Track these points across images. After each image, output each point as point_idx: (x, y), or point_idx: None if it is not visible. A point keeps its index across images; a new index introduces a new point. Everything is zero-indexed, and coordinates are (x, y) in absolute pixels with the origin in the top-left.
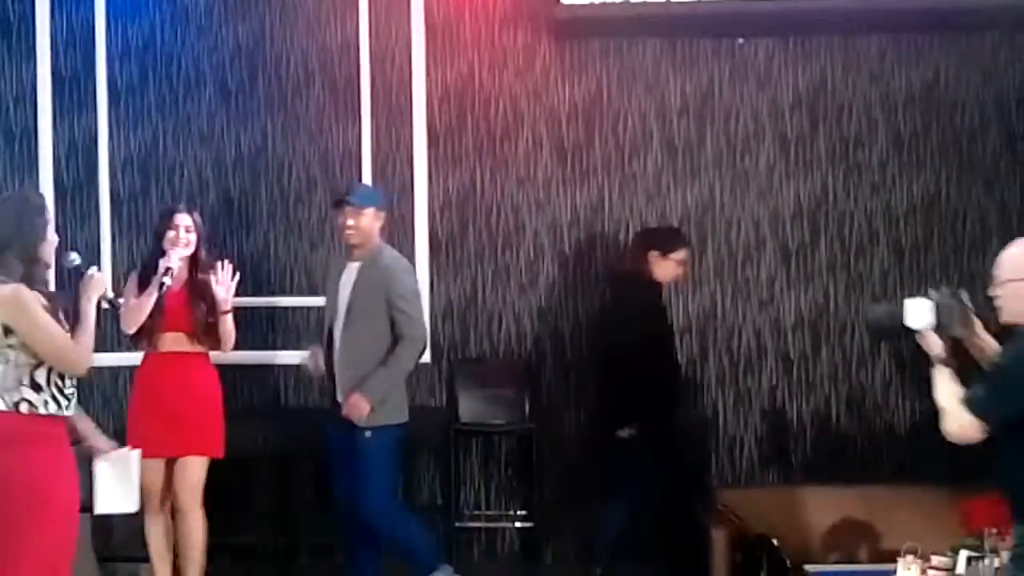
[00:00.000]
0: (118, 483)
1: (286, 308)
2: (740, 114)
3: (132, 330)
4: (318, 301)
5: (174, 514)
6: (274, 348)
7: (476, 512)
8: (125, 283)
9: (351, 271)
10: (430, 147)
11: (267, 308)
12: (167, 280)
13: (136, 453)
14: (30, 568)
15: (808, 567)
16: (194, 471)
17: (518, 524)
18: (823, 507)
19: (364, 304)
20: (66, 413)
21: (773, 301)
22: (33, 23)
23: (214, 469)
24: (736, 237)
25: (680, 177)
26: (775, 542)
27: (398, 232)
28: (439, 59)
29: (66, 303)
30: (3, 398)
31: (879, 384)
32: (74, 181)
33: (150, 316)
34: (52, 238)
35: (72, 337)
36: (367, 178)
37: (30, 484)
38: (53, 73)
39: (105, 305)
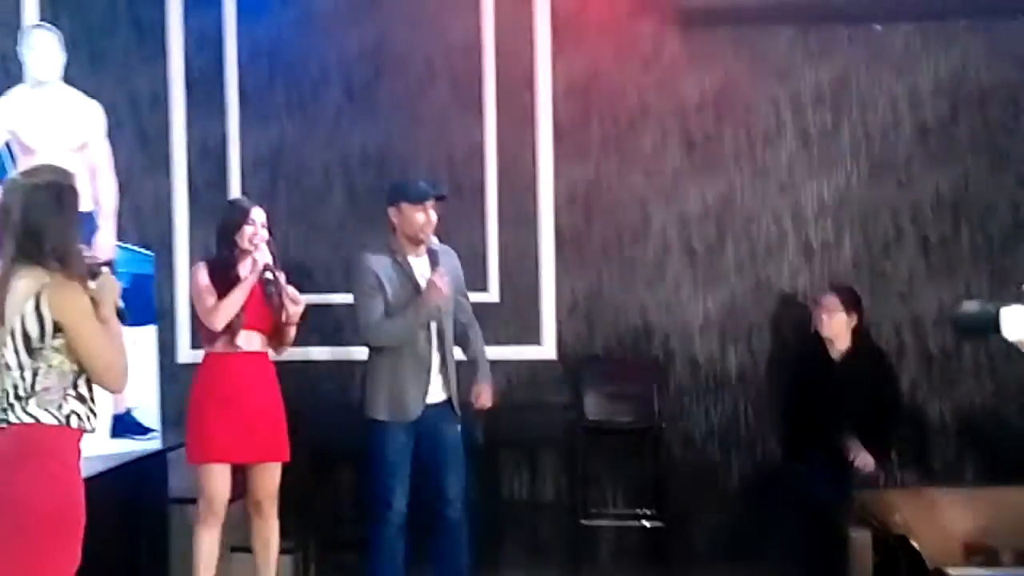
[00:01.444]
0: None
1: None
2: (877, 102)
3: (221, 327)
4: None
5: (248, 519)
6: None
7: (603, 511)
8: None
9: (421, 265)
10: (555, 142)
11: None
12: (270, 276)
13: None
14: None
15: (949, 571)
16: (275, 476)
17: (646, 523)
18: (964, 509)
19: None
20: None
21: (913, 294)
22: (164, 27)
23: None
24: (874, 229)
25: (814, 168)
26: (915, 544)
27: (521, 228)
28: (564, 53)
29: None
30: (47, 410)
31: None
32: (205, 182)
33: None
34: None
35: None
36: (491, 175)
37: (74, 498)
38: (185, 75)
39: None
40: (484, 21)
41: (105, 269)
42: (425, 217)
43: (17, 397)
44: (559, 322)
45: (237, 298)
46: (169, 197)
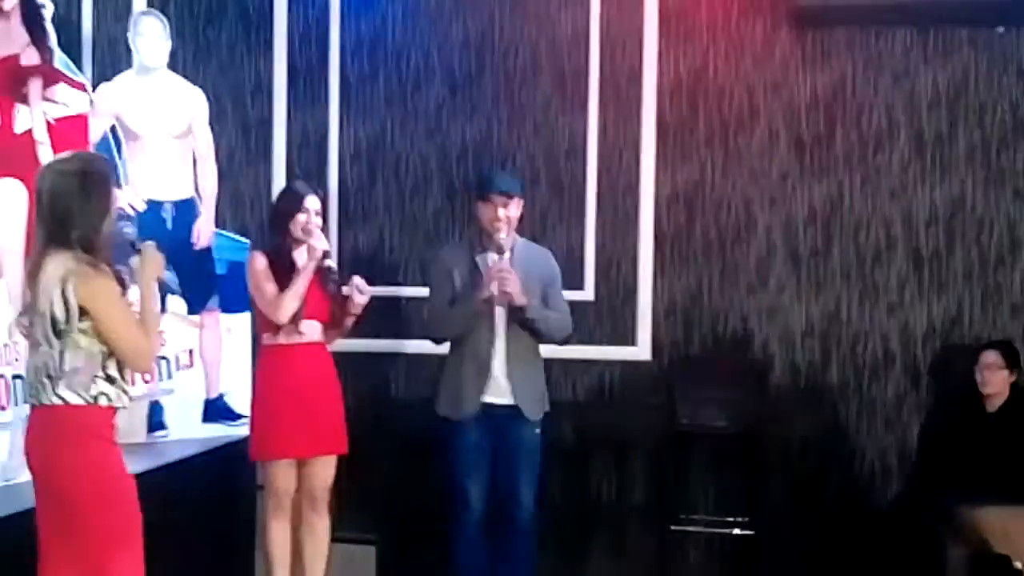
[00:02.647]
0: None
1: None
2: (997, 107)
3: (286, 319)
4: None
5: (301, 515)
6: None
7: (693, 516)
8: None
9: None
10: (658, 139)
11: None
12: (331, 263)
13: None
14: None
15: None
16: (332, 469)
17: (737, 531)
18: None
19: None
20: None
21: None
22: (271, 18)
23: None
24: (989, 238)
25: (928, 173)
26: (1018, 565)
27: (621, 226)
28: (672, 49)
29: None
30: (76, 391)
31: None
32: (305, 172)
33: None
34: (115, 210)
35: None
36: (592, 172)
37: (115, 478)
38: (289, 66)
39: (157, 289)
40: (591, 14)
41: (149, 243)
42: (493, 212)
43: (48, 376)
44: (655, 323)
45: (299, 288)
46: (269, 186)
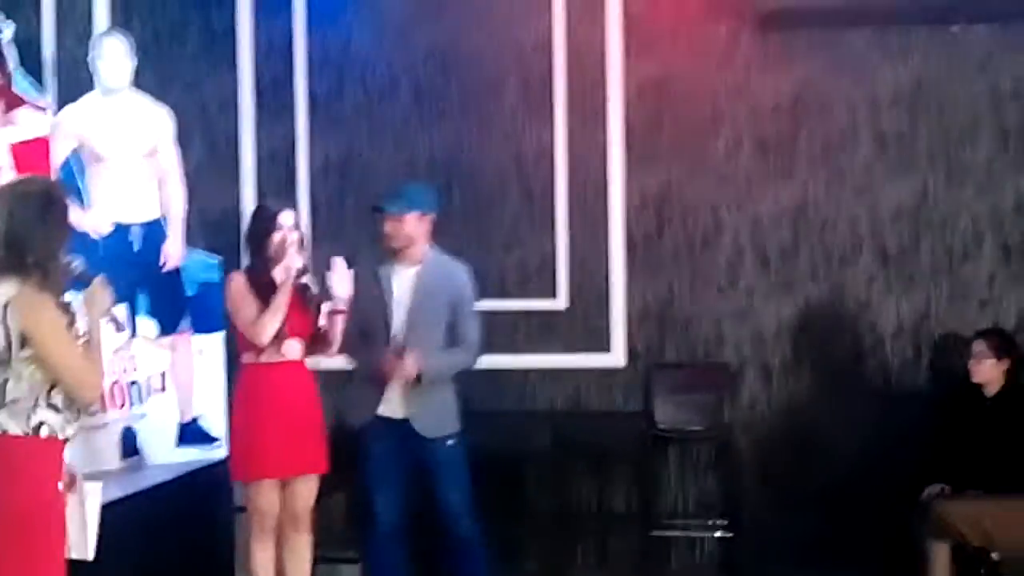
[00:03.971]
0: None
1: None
2: (956, 104)
3: (267, 340)
4: (512, 304)
5: (282, 537)
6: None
7: (673, 520)
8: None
9: (406, 278)
10: (626, 145)
11: None
12: (307, 282)
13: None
14: None
15: None
16: (314, 488)
17: (718, 533)
18: None
19: (427, 314)
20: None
21: (992, 298)
22: (235, 34)
23: None
24: (952, 235)
25: (891, 171)
26: (995, 556)
27: (591, 233)
28: (636, 55)
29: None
30: (16, 420)
31: None
32: (274, 188)
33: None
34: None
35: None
36: (561, 178)
37: (50, 514)
38: (255, 81)
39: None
40: (555, 22)
41: (99, 278)
42: (381, 229)
43: None
44: (629, 329)
45: (278, 307)
46: (238, 203)
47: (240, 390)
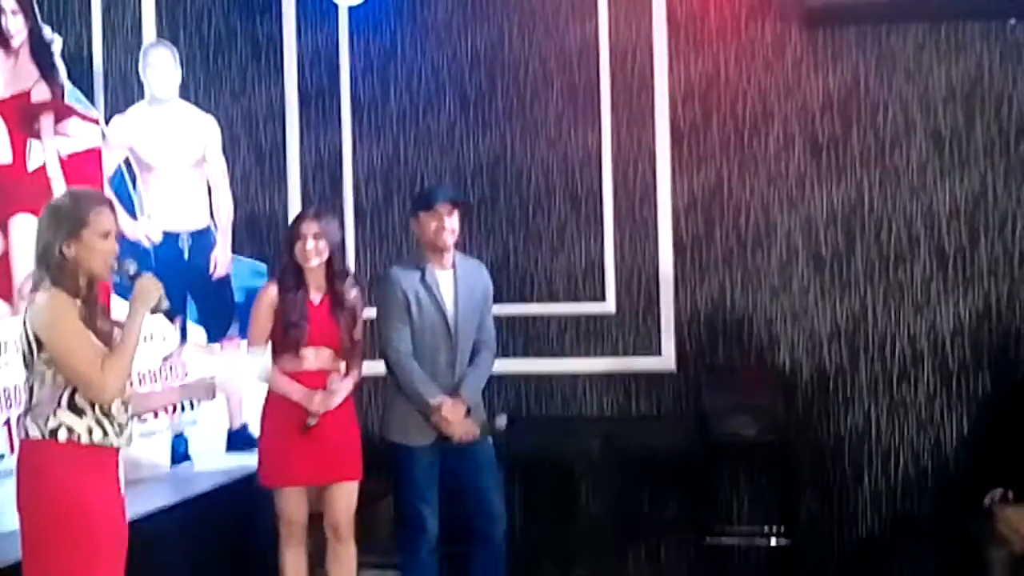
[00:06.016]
0: None
1: (526, 316)
2: (1013, 100)
3: (258, 347)
4: (560, 308)
5: (324, 544)
6: (512, 356)
7: (728, 528)
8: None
9: (446, 279)
10: (673, 147)
11: (506, 316)
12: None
13: None
14: None
15: None
16: (351, 497)
17: (774, 541)
18: None
19: (470, 314)
20: (116, 443)
21: None
22: (281, 43)
23: None
24: (1012, 232)
25: (947, 169)
26: None
27: (639, 235)
28: (682, 55)
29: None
30: (37, 424)
31: None
32: (320, 195)
33: (296, 328)
34: (93, 242)
35: (105, 357)
36: (608, 182)
37: (72, 515)
38: (300, 90)
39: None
40: (600, 24)
41: (147, 273)
42: (439, 223)
43: (26, 411)
44: (679, 332)
45: (261, 320)
46: (285, 210)
47: (268, 396)
